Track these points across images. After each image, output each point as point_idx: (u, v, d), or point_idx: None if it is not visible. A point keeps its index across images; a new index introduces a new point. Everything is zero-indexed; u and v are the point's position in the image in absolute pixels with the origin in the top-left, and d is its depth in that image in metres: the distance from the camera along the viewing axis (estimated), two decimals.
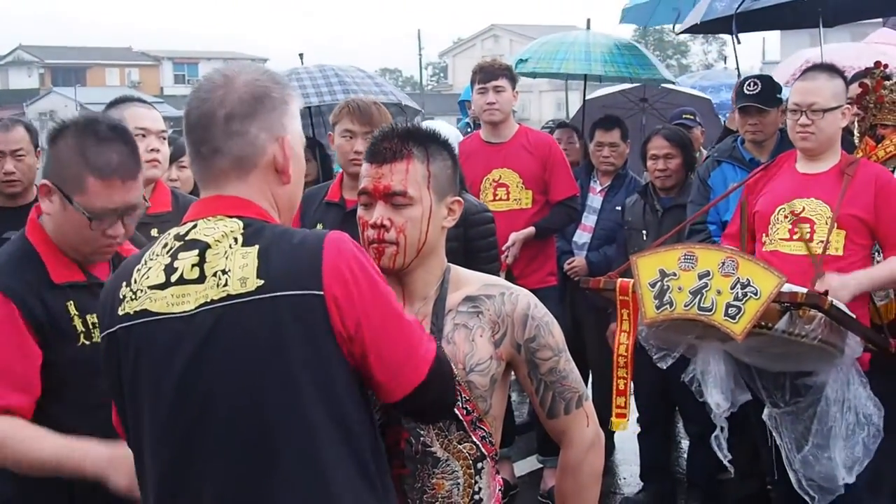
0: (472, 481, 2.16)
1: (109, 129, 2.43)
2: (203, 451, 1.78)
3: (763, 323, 3.36)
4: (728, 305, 3.36)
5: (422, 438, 2.12)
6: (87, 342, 2.41)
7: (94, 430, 2.32)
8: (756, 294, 3.34)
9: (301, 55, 8.31)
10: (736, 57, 7.56)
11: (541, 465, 5.58)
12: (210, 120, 1.86)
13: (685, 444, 5.93)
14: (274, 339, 1.74)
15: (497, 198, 5.20)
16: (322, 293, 1.74)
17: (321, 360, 1.75)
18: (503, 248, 4.98)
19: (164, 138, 3.63)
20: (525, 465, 5.78)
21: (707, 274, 3.43)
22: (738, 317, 3.35)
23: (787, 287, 3.35)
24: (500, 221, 4.95)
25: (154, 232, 3.40)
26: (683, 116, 6.97)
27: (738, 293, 3.36)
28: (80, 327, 2.41)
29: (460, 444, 2.14)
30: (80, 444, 2.31)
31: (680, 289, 3.45)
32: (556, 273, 5.42)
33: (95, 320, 2.40)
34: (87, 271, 2.50)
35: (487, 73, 5.20)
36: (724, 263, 3.42)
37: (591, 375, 6.01)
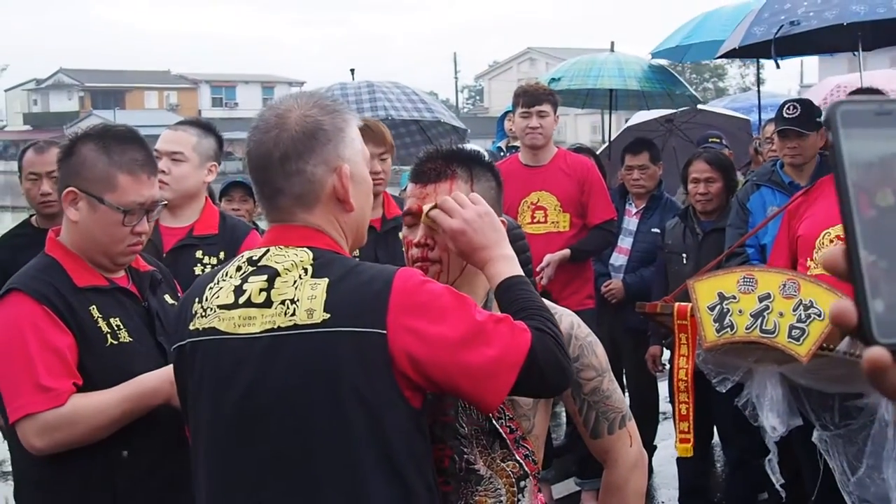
0: (515, 499, 2.16)
1: (127, 131, 2.58)
2: (251, 474, 1.81)
3: (825, 345, 3.34)
4: (791, 327, 3.35)
5: (465, 456, 2.12)
6: (115, 342, 2.46)
7: (128, 429, 2.41)
8: (820, 315, 3.32)
9: (352, 70, 8.22)
10: (758, 82, 7.61)
11: (578, 489, 5.57)
12: (267, 162, 1.89)
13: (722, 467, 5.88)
14: (331, 372, 1.76)
15: (535, 220, 5.21)
16: (385, 332, 1.76)
17: (376, 398, 1.77)
18: (537, 270, 4.99)
19: (180, 160, 3.55)
20: (563, 488, 5.78)
21: (768, 296, 3.41)
22: (802, 339, 3.33)
23: None
24: (537, 244, 4.95)
25: (199, 254, 3.44)
26: (710, 140, 6.88)
27: (801, 315, 3.34)
28: (105, 328, 2.46)
29: (504, 461, 2.15)
30: (134, 387, 2.40)
31: (740, 312, 3.44)
32: (594, 296, 5.41)
33: (119, 323, 2.48)
34: (109, 278, 2.55)
35: (531, 97, 5.19)
36: (784, 285, 3.41)
37: (628, 398, 6.00)
